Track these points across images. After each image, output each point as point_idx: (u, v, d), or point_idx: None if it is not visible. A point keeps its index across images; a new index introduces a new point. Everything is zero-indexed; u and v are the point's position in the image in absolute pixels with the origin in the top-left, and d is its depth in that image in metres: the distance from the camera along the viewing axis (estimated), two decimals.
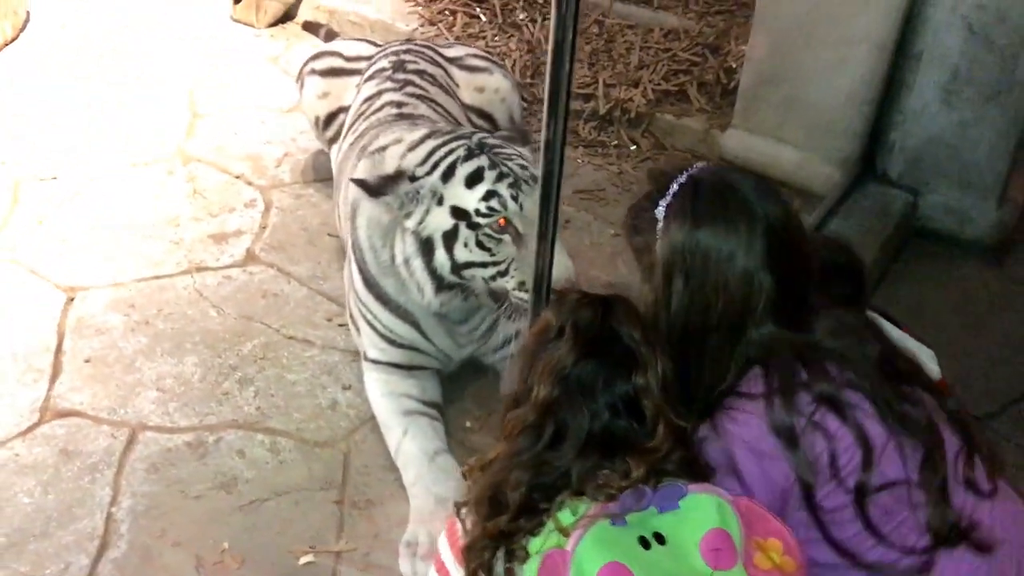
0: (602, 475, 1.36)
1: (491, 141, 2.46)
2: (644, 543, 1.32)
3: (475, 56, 3.42)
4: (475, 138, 2.45)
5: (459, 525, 1.50)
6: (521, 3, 4.35)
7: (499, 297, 2.41)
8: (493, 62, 3.46)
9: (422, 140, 2.50)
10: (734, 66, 3.90)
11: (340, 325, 2.97)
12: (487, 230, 2.33)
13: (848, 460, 1.52)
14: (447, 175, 2.38)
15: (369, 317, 2.61)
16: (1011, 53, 3.14)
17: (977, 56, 3.19)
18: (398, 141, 2.57)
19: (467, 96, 3.28)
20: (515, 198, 2.33)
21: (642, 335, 1.43)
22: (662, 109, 3.86)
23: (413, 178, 2.38)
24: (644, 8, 4.26)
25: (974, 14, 3.13)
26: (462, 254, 2.36)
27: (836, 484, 1.53)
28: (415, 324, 2.58)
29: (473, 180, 2.35)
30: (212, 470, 2.52)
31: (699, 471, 1.43)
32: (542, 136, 1.67)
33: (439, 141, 2.46)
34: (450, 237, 2.36)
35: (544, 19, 4.24)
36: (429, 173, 2.39)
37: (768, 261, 1.53)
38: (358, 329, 2.69)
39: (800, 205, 3.68)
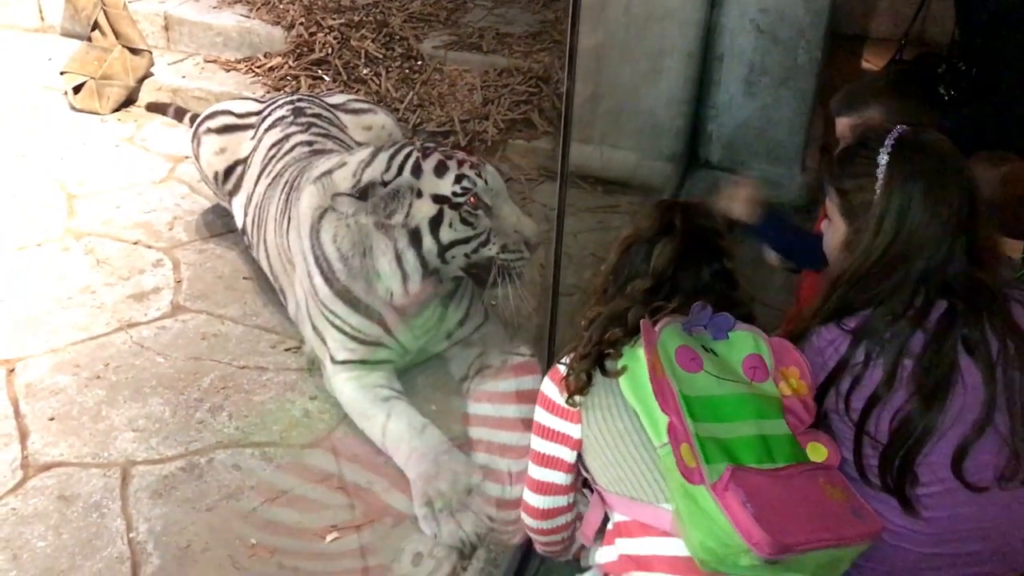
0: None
1: (430, 143, 2.83)
2: (704, 349, 1.75)
3: (355, 100, 3.79)
4: (417, 143, 2.82)
5: (561, 367, 1.85)
6: (363, 59, 4.73)
7: (477, 270, 2.76)
8: (372, 103, 3.84)
9: (374, 155, 2.82)
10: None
11: (286, 349, 3.20)
12: (467, 207, 2.68)
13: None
14: (416, 172, 2.71)
15: (337, 322, 2.87)
16: (792, 44, 3.91)
17: (767, 50, 3.95)
18: (343, 164, 2.87)
19: (357, 135, 3.61)
20: (479, 175, 2.71)
21: (723, 231, 1.89)
22: (512, 136, 4.37)
23: (384, 183, 2.71)
24: (476, 53, 4.79)
25: (760, 17, 3.89)
26: (447, 235, 2.69)
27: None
28: (380, 321, 2.87)
29: (440, 170, 2.71)
30: (214, 486, 2.67)
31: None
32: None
33: (391, 151, 2.79)
34: (436, 222, 2.68)
35: (388, 71, 4.66)
36: (398, 175, 2.72)
37: (960, 224, 1.81)
38: (323, 338, 2.93)
39: (644, 199, 4.32)
